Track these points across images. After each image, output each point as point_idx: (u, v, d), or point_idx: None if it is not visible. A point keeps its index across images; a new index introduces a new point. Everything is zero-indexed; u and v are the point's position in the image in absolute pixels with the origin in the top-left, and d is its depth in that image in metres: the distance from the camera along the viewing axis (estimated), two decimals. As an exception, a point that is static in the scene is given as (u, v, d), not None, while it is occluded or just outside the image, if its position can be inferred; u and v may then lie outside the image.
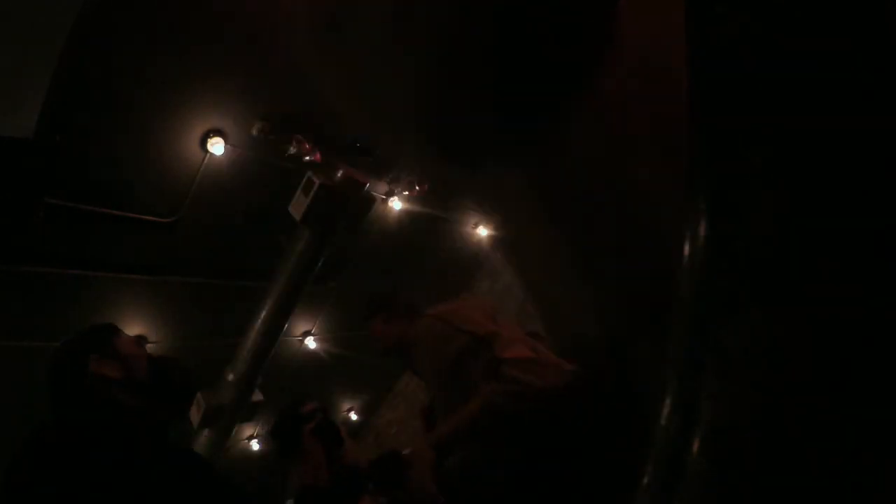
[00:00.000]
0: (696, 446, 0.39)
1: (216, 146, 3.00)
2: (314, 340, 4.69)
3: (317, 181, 3.06)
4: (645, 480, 0.44)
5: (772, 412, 0.37)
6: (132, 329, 3.43)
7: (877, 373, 0.35)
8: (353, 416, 5.90)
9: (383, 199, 4.16)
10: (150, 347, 3.47)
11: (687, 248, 0.45)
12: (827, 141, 0.40)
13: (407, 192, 4.17)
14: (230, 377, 3.43)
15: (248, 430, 4.85)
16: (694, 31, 0.51)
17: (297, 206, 3.15)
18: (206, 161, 3.04)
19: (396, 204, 4.23)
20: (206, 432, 3.46)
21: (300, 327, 4.56)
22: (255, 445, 4.96)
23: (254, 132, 3.08)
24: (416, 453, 1.46)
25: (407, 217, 4.40)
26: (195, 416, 3.32)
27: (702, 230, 0.44)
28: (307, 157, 3.14)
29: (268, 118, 3.09)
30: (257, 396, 3.69)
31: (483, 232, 5.27)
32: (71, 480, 1.07)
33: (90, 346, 1.38)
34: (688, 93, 0.51)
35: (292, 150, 3.10)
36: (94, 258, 2.96)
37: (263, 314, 3.37)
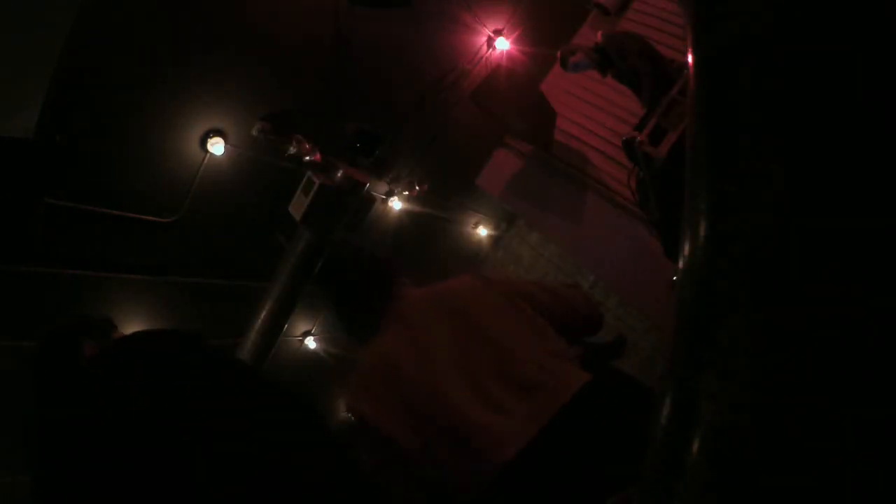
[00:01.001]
0: (696, 446, 0.39)
1: (216, 146, 3.01)
2: (314, 340, 4.69)
3: (317, 181, 3.06)
4: (645, 480, 0.44)
5: (772, 412, 0.37)
6: (132, 329, 3.42)
7: (877, 373, 0.35)
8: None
9: (383, 199, 4.17)
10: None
11: (687, 248, 0.45)
12: (828, 141, 0.40)
13: (407, 192, 4.18)
14: (230, 377, 3.43)
15: (248, 430, 4.84)
16: (694, 31, 0.51)
17: (297, 206, 3.16)
18: (206, 161, 3.05)
19: (396, 204, 4.24)
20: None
21: (300, 327, 4.56)
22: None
23: (254, 132, 3.08)
24: None
25: (407, 217, 4.41)
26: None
27: (702, 230, 0.44)
28: (307, 157, 3.14)
29: (268, 118, 3.09)
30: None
31: (483, 232, 5.28)
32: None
33: (87, 331, 1.38)
34: (689, 93, 0.51)
35: (292, 150, 3.10)
36: (94, 258, 2.96)
37: (263, 314, 3.37)
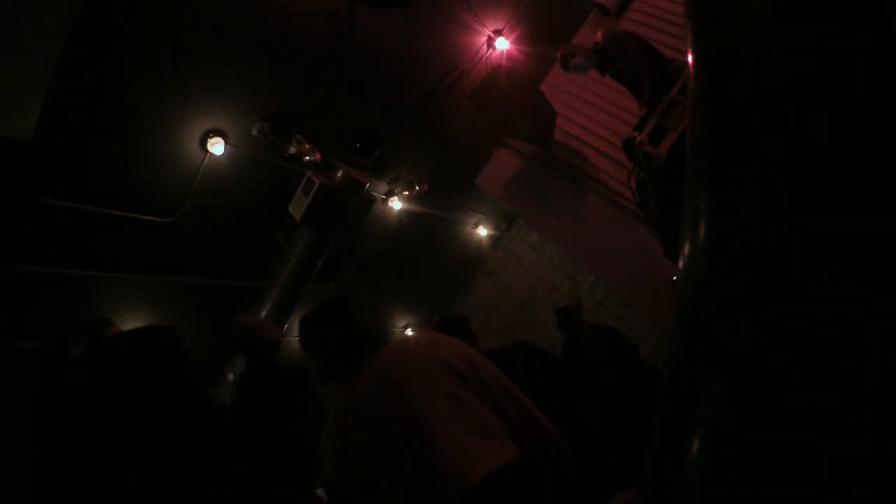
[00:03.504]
0: (695, 446, 0.39)
1: (216, 146, 3.01)
2: (314, 340, 4.68)
3: (317, 181, 3.06)
4: (645, 480, 0.44)
5: (772, 412, 0.37)
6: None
7: (877, 373, 0.35)
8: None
9: (383, 199, 4.17)
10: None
11: (687, 248, 0.45)
12: (827, 140, 0.40)
13: (407, 192, 4.18)
14: (230, 377, 3.43)
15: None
16: (694, 31, 0.51)
17: (297, 206, 3.16)
18: (206, 161, 3.05)
19: (396, 204, 4.24)
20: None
21: (300, 327, 4.55)
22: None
23: (254, 132, 3.08)
24: None
25: (407, 217, 4.41)
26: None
27: (702, 230, 0.44)
28: (307, 157, 3.14)
29: (268, 118, 3.09)
30: (257, 396, 3.69)
31: (483, 232, 5.28)
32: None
33: (81, 331, 1.43)
34: (690, 93, 0.51)
35: (292, 150, 3.10)
36: (94, 258, 2.96)
37: (263, 314, 3.37)
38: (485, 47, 3.97)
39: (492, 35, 3.92)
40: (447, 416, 1.16)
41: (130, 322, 3.39)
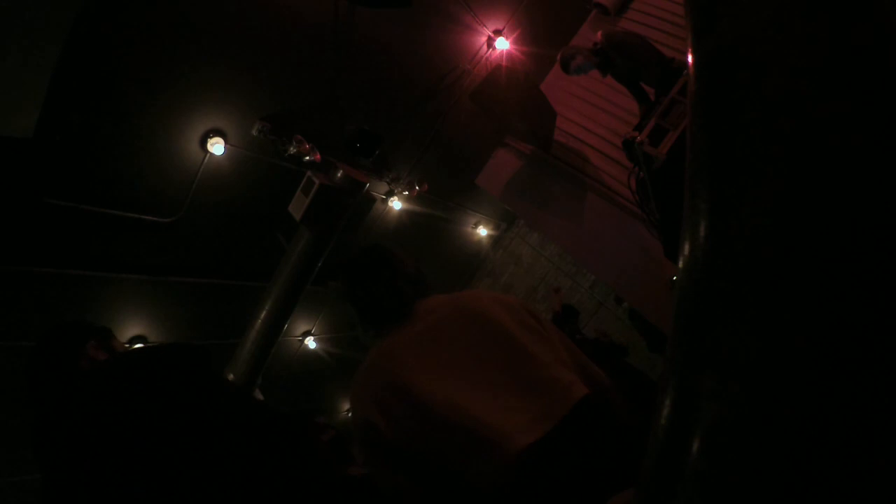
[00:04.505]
0: (696, 446, 0.39)
1: (216, 146, 3.01)
2: (314, 340, 4.70)
3: (317, 181, 3.06)
4: (645, 480, 0.44)
5: (772, 412, 0.37)
6: (132, 329, 3.43)
7: (877, 373, 0.35)
8: (353, 416, 5.89)
9: (383, 199, 4.17)
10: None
11: (687, 248, 0.45)
12: (828, 140, 0.40)
13: (407, 192, 4.18)
14: (230, 377, 3.43)
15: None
16: (694, 31, 0.51)
17: (297, 206, 3.15)
18: (206, 161, 3.05)
19: (396, 204, 4.24)
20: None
21: (300, 327, 4.56)
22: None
23: (254, 132, 3.09)
24: None
25: (407, 217, 4.41)
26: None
27: (702, 230, 0.44)
28: (307, 157, 3.14)
29: (268, 118, 3.09)
30: (257, 396, 3.69)
31: (483, 232, 5.28)
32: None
33: (91, 332, 1.41)
34: (689, 93, 0.51)
35: (292, 150, 3.10)
36: (94, 258, 2.96)
37: (263, 314, 3.37)
38: (485, 47, 3.97)
39: (492, 35, 3.93)
40: (536, 345, 1.26)
41: (130, 323, 3.39)
